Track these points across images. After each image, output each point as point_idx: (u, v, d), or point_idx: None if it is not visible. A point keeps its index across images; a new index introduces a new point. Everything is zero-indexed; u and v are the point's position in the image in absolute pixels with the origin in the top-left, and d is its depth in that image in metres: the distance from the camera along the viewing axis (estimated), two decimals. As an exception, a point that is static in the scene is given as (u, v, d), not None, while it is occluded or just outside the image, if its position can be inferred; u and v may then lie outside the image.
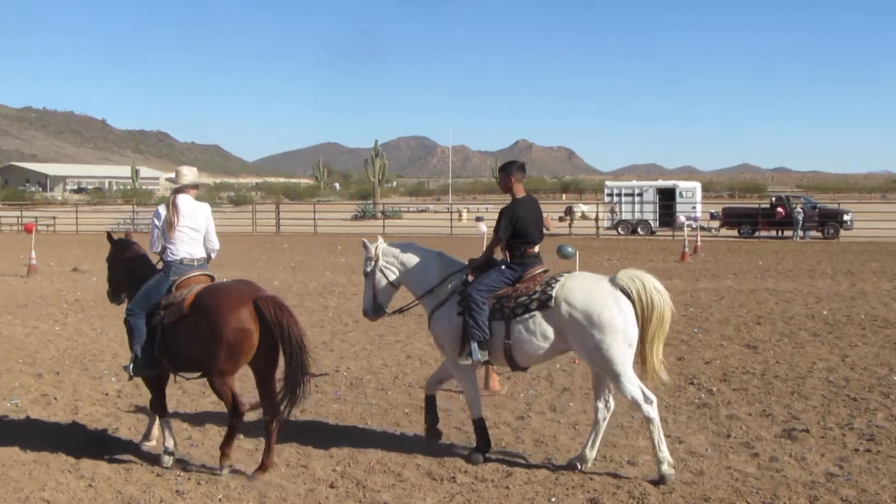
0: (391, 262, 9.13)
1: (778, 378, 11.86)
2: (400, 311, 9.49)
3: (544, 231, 9.07)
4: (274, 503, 7.48)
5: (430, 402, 9.10)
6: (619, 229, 46.74)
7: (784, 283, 23.27)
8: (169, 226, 8.62)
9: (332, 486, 7.83)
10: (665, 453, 7.90)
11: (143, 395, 10.43)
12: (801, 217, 41.74)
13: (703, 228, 41.57)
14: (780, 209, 43.91)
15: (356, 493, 7.66)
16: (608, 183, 54.00)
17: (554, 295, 8.17)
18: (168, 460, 8.50)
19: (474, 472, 8.15)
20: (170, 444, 8.63)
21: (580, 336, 8.05)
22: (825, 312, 17.69)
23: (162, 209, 8.80)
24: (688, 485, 7.79)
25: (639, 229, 46.51)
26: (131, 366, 8.60)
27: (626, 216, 47.27)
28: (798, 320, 16.76)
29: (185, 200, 8.74)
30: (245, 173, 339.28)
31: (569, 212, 48.33)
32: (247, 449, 8.92)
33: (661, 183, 50.60)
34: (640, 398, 7.97)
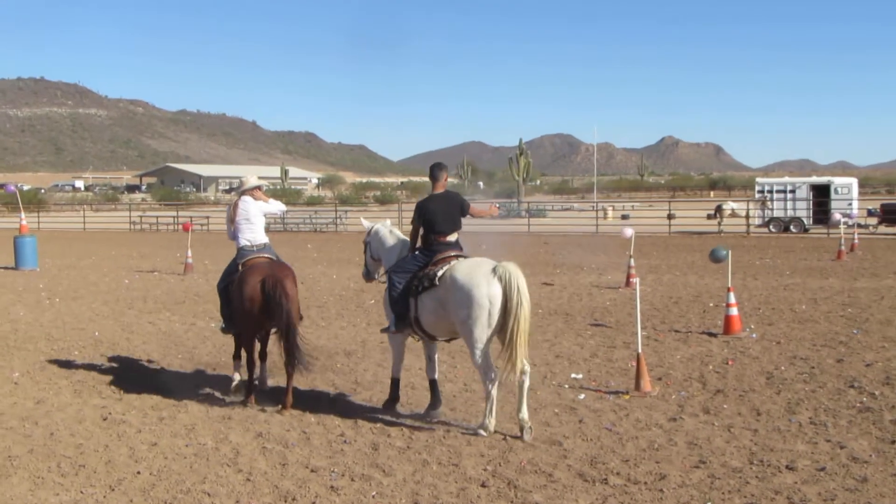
0: (375, 241, 11.06)
1: (945, 382, 11.32)
2: (378, 279, 11.33)
3: (492, 217, 10.96)
4: (426, 501, 7.52)
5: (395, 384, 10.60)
6: (771, 227, 45.45)
7: (949, 282, 22.20)
8: (229, 221, 11.34)
9: (483, 486, 7.82)
10: (490, 423, 9.27)
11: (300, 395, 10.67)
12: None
13: (859, 226, 40.01)
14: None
15: (507, 493, 7.64)
16: (759, 180, 52.41)
17: (441, 274, 9.54)
18: (234, 386, 11.40)
19: (627, 473, 8.03)
20: (236, 377, 11.58)
21: (455, 308, 9.31)
22: None
23: (228, 209, 11.50)
24: (851, 492, 7.49)
25: (791, 227, 45.14)
26: (222, 325, 11.79)
27: (777, 213, 45.96)
28: (966, 322, 15.95)
29: (244, 201, 11.30)
30: (390, 172, 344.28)
31: (718, 210, 47.31)
32: (399, 447, 9.03)
33: (815, 179, 49.01)
34: (484, 370, 9.28)
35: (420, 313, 9.75)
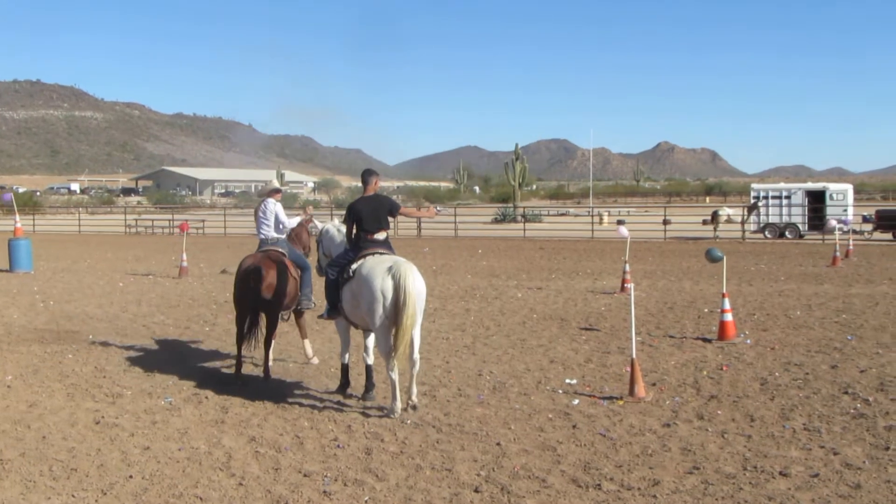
0: (326, 239, 12.50)
1: (939, 389, 11.31)
2: None
3: (430, 218, 12.47)
4: (419, 506, 7.50)
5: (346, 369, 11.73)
6: (766, 233, 45.52)
7: (944, 289, 22.20)
8: (255, 217, 13.52)
9: (476, 491, 7.81)
10: (396, 406, 10.25)
11: (283, 391, 10.62)
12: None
13: (854, 232, 40.01)
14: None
15: (501, 499, 7.62)
16: (754, 185, 52.45)
17: (354, 268, 10.58)
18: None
19: (620, 479, 8.02)
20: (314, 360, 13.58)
21: (360, 299, 10.33)
22: None
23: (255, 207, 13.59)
24: (844, 498, 7.49)
25: (786, 233, 45.21)
26: None
27: (773, 219, 46.03)
28: (960, 328, 15.95)
29: (265, 202, 13.39)
30: (386, 177, 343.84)
31: (714, 216, 47.33)
32: (392, 452, 9.01)
33: (811, 185, 49.03)
34: (385, 356, 10.20)
35: (343, 303, 10.82)
